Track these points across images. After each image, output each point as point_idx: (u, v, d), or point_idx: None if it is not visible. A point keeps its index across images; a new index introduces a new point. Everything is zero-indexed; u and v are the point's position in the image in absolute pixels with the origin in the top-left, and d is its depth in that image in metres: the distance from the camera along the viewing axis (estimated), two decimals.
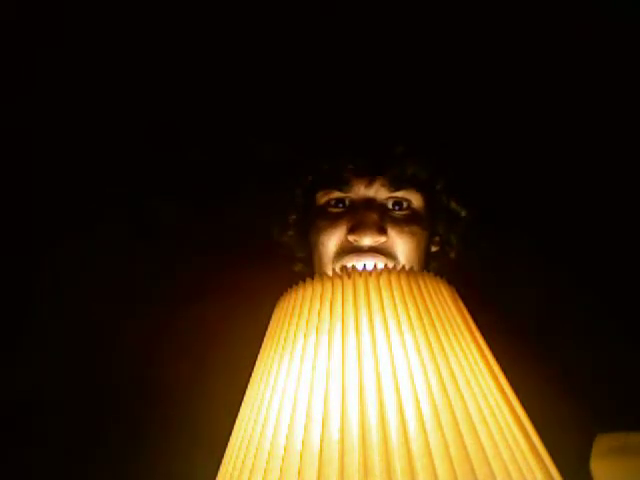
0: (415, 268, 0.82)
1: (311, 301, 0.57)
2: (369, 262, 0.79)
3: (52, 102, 1.18)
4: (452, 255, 0.93)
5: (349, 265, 0.79)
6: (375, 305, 0.55)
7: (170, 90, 1.23)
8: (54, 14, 1.12)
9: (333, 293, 0.57)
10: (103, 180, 1.23)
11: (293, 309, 0.58)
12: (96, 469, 1.03)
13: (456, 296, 0.63)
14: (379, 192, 0.83)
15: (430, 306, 0.57)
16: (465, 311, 0.62)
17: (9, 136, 1.17)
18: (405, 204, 0.83)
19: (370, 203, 0.82)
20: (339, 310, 0.56)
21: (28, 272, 1.21)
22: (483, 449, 0.48)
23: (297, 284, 0.60)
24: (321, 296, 0.57)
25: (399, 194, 0.83)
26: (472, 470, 0.46)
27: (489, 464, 0.47)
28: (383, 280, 0.57)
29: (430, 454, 0.47)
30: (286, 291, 0.62)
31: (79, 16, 1.12)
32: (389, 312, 0.55)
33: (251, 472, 0.51)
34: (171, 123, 1.25)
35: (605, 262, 1.13)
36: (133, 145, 1.26)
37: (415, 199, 0.84)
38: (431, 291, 0.59)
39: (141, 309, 1.14)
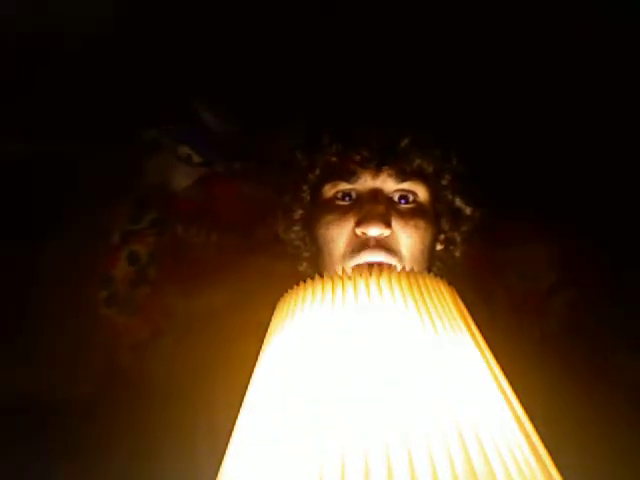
0: (419, 263, 0.82)
1: (312, 302, 0.57)
2: (376, 257, 0.79)
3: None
4: (457, 254, 0.92)
5: (360, 262, 0.79)
6: (376, 306, 0.55)
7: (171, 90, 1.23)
8: None
9: (334, 294, 0.57)
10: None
11: (294, 311, 0.58)
12: (96, 469, 1.03)
13: (456, 296, 0.63)
14: (385, 184, 0.83)
15: (431, 306, 0.57)
16: (465, 311, 0.62)
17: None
18: (411, 197, 0.84)
19: (376, 195, 0.82)
20: (340, 311, 0.56)
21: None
22: (484, 450, 0.48)
23: (298, 284, 0.61)
24: (322, 297, 0.57)
25: (405, 186, 0.83)
26: (473, 470, 0.46)
27: (490, 464, 0.47)
28: (384, 280, 0.57)
29: (430, 454, 0.47)
30: (286, 292, 0.62)
31: None
32: (390, 313, 0.55)
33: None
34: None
35: (612, 262, 1.13)
36: (131, 144, 1.27)
37: (421, 192, 0.84)
38: (432, 291, 0.59)
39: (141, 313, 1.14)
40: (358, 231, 0.80)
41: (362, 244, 0.80)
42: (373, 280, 0.57)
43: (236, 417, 0.58)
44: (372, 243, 0.80)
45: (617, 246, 1.16)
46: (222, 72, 1.22)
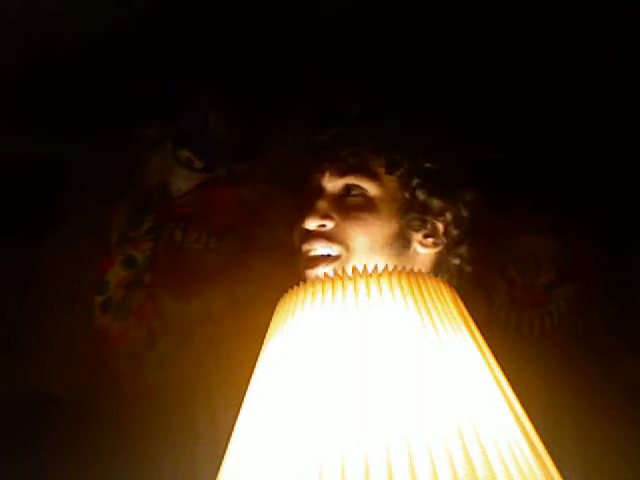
0: (373, 256, 0.84)
1: (312, 302, 0.57)
2: (316, 247, 0.85)
3: None
4: (456, 261, 0.91)
5: (304, 251, 0.86)
6: (376, 306, 0.55)
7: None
8: None
9: (334, 294, 0.57)
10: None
11: (294, 311, 0.58)
12: (95, 468, 1.03)
13: (456, 296, 0.63)
14: (329, 181, 0.88)
15: (431, 306, 0.57)
16: (466, 312, 0.62)
17: None
18: (355, 191, 0.88)
19: (319, 191, 0.88)
20: (340, 311, 0.56)
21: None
22: (484, 449, 0.48)
23: (298, 285, 0.61)
24: (322, 297, 0.57)
25: (348, 180, 0.88)
26: (473, 470, 0.46)
27: (490, 464, 0.47)
28: (384, 280, 0.57)
29: (431, 454, 0.47)
30: (286, 292, 0.62)
31: None
32: (390, 313, 0.55)
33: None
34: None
35: (612, 258, 1.13)
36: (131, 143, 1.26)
37: (369, 187, 0.87)
38: (432, 291, 0.59)
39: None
40: (302, 226, 0.86)
41: (306, 236, 0.86)
42: (373, 280, 0.57)
43: (236, 417, 0.58)
44: (315, 235, 0.85)
45: (618, 242, 1.16)
46: (226, 72, 1.22)
